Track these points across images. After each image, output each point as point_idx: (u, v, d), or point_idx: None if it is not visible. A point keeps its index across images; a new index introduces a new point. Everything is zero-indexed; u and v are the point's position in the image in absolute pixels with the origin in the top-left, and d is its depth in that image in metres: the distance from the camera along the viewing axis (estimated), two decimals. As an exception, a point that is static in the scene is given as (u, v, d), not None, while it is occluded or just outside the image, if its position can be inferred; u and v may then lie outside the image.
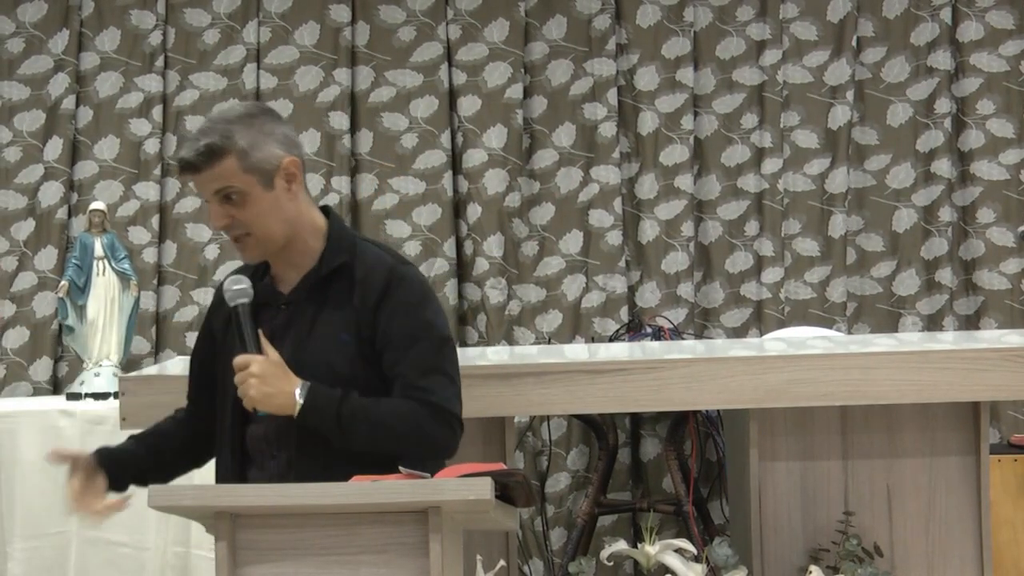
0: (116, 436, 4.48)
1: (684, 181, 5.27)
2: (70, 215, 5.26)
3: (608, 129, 5.28)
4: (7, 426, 4.55)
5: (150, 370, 3.91)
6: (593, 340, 5.17)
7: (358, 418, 2.62)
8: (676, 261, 5.26)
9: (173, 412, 2.98)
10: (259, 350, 2.64)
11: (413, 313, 2.70)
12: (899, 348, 3.60)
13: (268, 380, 2.61)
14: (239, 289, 2.70)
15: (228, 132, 2.66)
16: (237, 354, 2.67)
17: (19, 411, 4.61)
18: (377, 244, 2.86)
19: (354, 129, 5.33)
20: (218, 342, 2.83)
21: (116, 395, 3.97)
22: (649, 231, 5.28)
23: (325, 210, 2.83)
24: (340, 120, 5.30)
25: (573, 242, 5.29)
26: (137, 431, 2.97)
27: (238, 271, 2.88)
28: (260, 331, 2.68)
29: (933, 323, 5.24)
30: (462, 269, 5.29)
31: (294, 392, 2.61)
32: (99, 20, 5.32)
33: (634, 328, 5.15)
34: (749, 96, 5.33)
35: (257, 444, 2.73)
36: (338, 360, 2.68)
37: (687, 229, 5.25)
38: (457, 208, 5.31)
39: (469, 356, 3.93)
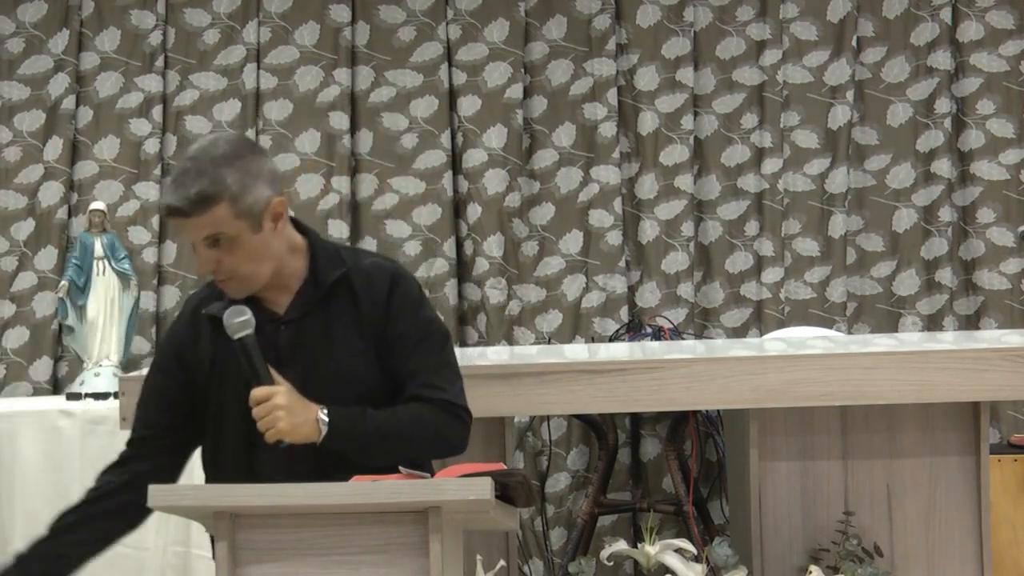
0: (116, 436, 4.50)
1: (684, 181, 5.27)
2: (70, 215, 5.26)
3: (608, 129, 5.28)
4: (7, 426, 4.55)
5: (150, 370, 3.90)
6: (593, 340, 5.17)
7: (380, 433, 2.63)
8: (676, 261, 5.26)
9: (98, 480, 2.80)
10: (272, 381, 2.60)
11: (416, 312, 2.74)
12: (899, 348, 3.60)
13: (294, 410, 2.57)
14: (243, 321, 2.61)
15: (218, 177, 2.58)
16: (237, 386, 2.64)
17: (19, 411, 4.61)
18: (357, 249, 2.87)
19: (354, 129, 5.33)
20: (204, 372, 2.74)
21: (116, 395, 3.98)
22: (649, 231, 5.28)
23: (297, 224, 2.78)
24: (340, 120, 5.30)
25: (573, 242, 5.29)
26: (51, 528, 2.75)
27: (212, 296, 2.80)
28: (264, 358, 2.63)
29: (933, 323, 5.24)
30: (462, 269, 5.28)
31: (317, 418, 2.58)
32: (99, 20, 5.32)
33: (634, 328, 5.15)
34: (749, 96, 5.33)
35: (270, 470, 2.66)
36: (363, 369, 2.69)
37: (687, 229, 5.25)
38: (457, 208, 5.31)
39: (469, 356, 3.92)
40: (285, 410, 2.56)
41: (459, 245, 5.30)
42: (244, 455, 2.70)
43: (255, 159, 2.66)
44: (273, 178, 2.67)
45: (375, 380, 2.69)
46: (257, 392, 2.58)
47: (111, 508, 2.74)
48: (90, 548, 2.73)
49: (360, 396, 2.67)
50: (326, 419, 2.58)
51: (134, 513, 2.73)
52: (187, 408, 2.77)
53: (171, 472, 2.79)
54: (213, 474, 2.77)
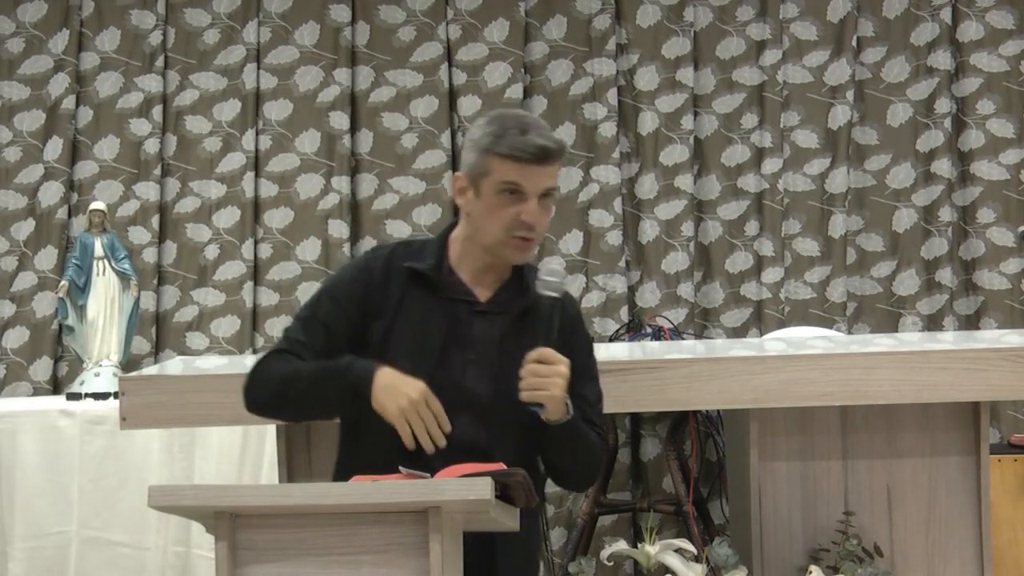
0: (116, 436, 4.53)
1: (684, 181, 5.27)
2: (70, 215, 5.26)
3: (608, 129, 5.28)
4: (7, 426, 4.55)
5: (150, 370, 3.91)
6: (593, 340, 5.16)
7: (585, 439, 2.71)
8: (676, 261, 5.26)
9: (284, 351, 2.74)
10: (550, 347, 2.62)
11: (590, 351, 2.85)
12: (899, 348, 3.59)
13: (566, 385, 2.61)
14: (558, 283, 2.66)
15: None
16: (411, 349, 2.65)
17: (19, 411, 4.61)
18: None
19: (354, 129, 5.33)
20: (385, 321, 2.70)
21: (116, 395, 3.97)
22: (649, 231, 5.29)
23: None
24: (340, 120, 5.30)
25: (573, 242, 5.29)
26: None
27: (404, 255, 2.80)
28: (451, 329, 2.68)
29: (933, 323, 5.24)
30: (462, 269, 5.28)
31: (567, 400, 2.63)
32: (99, 20, 5.32)
33: (634, 328, 5.15)
34: (749, 96, 5.33)
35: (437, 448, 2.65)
36: None
37: (687, 229, 5.25)
38: (457, 208, 5.30)
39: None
40: (564, 380, 2.59)
41: (459, 245, 5.29)
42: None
43: None
44: None
45: None
46: (547, 352, 2.59)
47: None
48: None
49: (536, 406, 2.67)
50: (570, 404, 2.64)
51: None
52: (341, 344, 2.72)
53: None
54: (362, 434, 2.71)
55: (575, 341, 2.76)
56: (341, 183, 5.28)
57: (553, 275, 2.66)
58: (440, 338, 2.68)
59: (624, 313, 5.22)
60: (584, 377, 2.76)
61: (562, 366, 2.59)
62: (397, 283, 2.74)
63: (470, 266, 2.76)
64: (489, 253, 2.72)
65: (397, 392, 2.56)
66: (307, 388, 2.67)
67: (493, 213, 2.68)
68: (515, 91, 5.30)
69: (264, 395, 2.72)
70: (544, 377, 2.58)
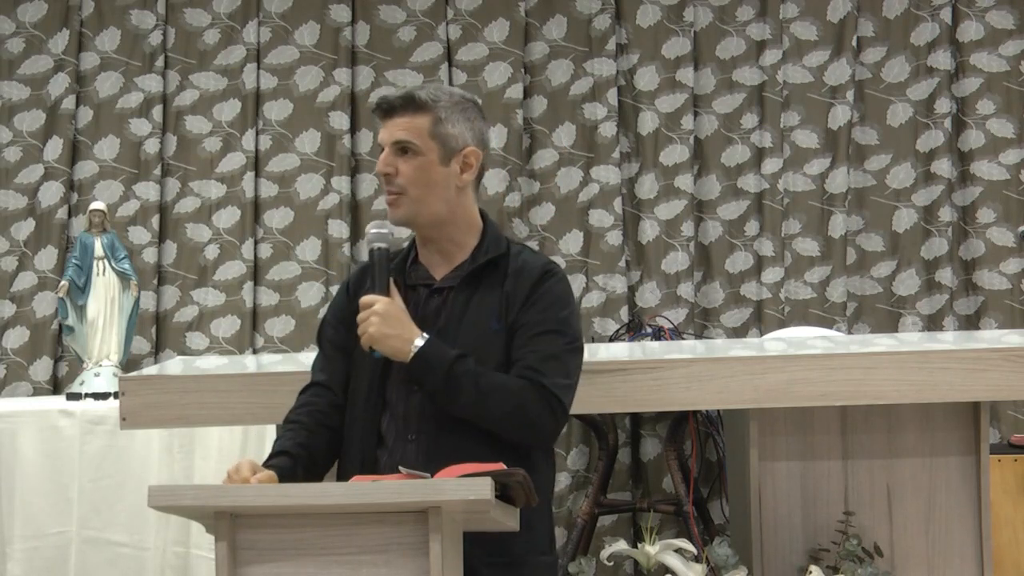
0: (116, 436, 4.53)
1: (684, 181, 5.28)
2: (70, 215, 5.26)
3: (608, 129, 5.28)
4: (7, 426, 4.55)
5: (150, 370, 3.91)
6: (593, 340, 5.17)
7: (467, 380, 2.64)
8: (676, 261, 5.26)
9: (303, 403, 2.82)
10: (387, 294, 2.70)
11: (552, 307, 2.75)
12: (899, 348, 3.60)
13: (390, 321, 2.66)
14: (382, 233, 2.76)
15: (436, 97, 2.74)
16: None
17: (19, 411, 4.61)
18: (528, 246, 2.92)
19: (354, 129, 5.33)
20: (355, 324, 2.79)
21: (116, 395, 3.98)
22: (649, 231, 5.29)
23: (482, 213, 2.87)
24: (340, 120, 5.30)
25: (573, 242, 5.29)
26: (285, 440, 2.75)
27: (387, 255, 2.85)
28: (413, 312, 2.73)
29: (933, 323, 5.24)
30: (462, 269, 5.28)
31: (413, 339, 2.65)
32: (99, 20, 5.32)
33: (634, 328, 5.15)
34: (749, 96, 5.33)
35: (394, 425, 2.73)
36: (488, 348, 2.72)
37: (687, 229, 5.26)
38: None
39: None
40: (380, 317, 2.65)
41: (459, 245, 5.29)
42: (378, 408, 2.75)
43: (475, 113, 2.81)
44: (482, 138, 2.81)
45: (500, 364, 2.71)
46: (365, 298, 2.69)
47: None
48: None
49: None
50: (420, 343, 2.66)
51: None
52: (342, 361, 2.84)
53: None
54: (348, 427, 2.79)
55: (528, 301, 2.74)
56: (341, 183, 5.28)
57: (372, 228, 2.80)
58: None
59: (624, 313, 5.22)
60: (531, 334, 2.71)
61: (378, 305, 2.66)
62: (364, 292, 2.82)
63: (426, 252, 2.85)
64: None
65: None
66: None
67: None
68: (515, 91, 5.30)
69: None
70: (363, 321, 2.67)
